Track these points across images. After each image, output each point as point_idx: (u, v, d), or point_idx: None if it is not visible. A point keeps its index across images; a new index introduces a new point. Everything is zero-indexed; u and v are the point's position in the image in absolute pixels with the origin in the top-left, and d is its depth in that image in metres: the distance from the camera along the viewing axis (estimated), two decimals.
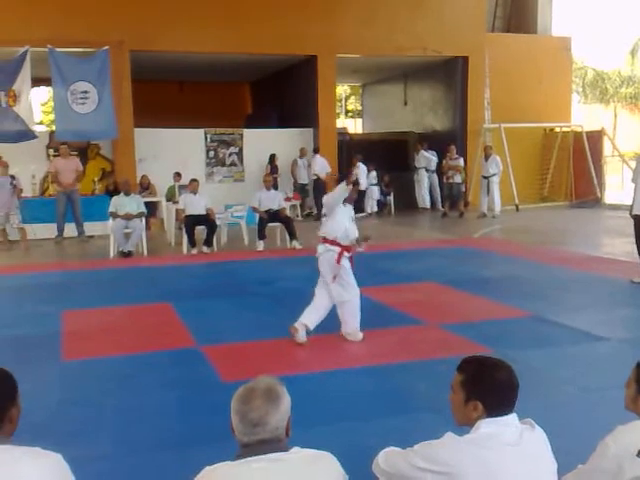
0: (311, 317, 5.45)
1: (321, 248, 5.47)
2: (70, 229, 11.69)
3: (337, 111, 20.64)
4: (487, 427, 2.11)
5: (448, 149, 14.97)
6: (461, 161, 15.07)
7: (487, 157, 14.79)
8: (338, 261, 5.34)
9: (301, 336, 5.40)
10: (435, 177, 15.99)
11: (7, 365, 2.09)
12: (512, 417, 2.14)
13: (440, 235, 12.30)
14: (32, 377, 4.24)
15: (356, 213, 16.52)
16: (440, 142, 16.07)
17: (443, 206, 15.25)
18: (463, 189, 15.17)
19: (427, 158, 15.91)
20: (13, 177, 10.96)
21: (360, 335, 5.50)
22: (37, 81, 12.95)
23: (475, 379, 2.16)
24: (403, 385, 4.51)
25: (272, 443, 1.95)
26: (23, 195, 11.33)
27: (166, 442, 3.65)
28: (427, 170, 15.96)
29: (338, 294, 5.43)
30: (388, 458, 2.27)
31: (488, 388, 2.13)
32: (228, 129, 15.41)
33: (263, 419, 1.94)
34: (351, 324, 5.50)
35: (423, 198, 16.09)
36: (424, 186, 16.02)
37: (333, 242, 5.41)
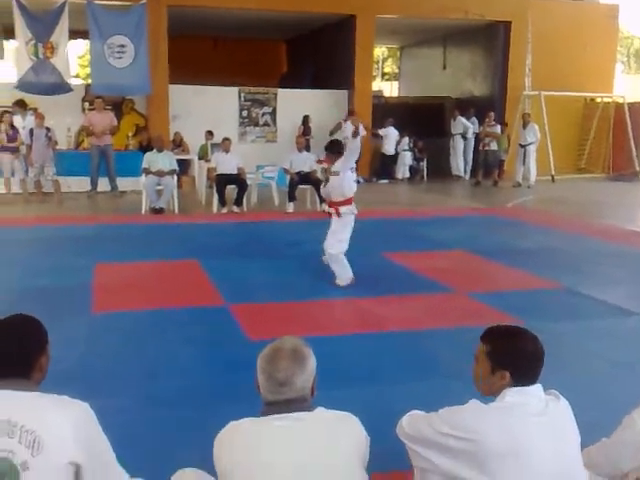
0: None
1: (353, 207, 6.06)
2: (103, 183, 11.79)
3: (373, 73, 20.31)
4: (513, 396, 2.08)
5: (486, 115, 14.68)
6: (498, 128, 14.80)
7: (525, 125, 14.48)
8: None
9: None
10: (471, 144, 15.72)
11: (38, 315, 2.11)
12: (537, 387, 2.12)
13: (472, 203, 12.15)
14: (62, 327, 4.29)
15: (386, 179, 16.47)
16: (478, 108, 15.77)
17: (476, 174, 15.01)
18: (500, 157, 14.91)
19: (464, 124, 15.63)
20: (48, 129, 11.04)
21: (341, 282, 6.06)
22: (74, 33, 12.93)
23: (502, 348, 2.13)
24: (429, 351, 4.51)
25: (297, 402, 1.97)
26: (58, 147, 11.42)
27: (190, 397, 3.70)
28: (463, 137, 15.69)
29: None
30: (412, 421, 2.25)
31: (516, 357, 2.11)
32: (262, 88, 15.29)
33: (289, 379, 1.95)
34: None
35: (457, 165, 15.86)
36: (459, 153, 15.77)
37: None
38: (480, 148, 14.83)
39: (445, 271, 6.71)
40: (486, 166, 14.76)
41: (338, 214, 6.04)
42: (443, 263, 7.06)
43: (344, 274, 6.10)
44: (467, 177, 15.74)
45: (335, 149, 6.22)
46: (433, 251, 7.73)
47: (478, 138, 15.19)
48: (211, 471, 2.08)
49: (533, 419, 2.03)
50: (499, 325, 2.25)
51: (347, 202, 6.05)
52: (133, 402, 3.60)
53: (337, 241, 6.04)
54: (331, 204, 6.11)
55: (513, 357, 2.11)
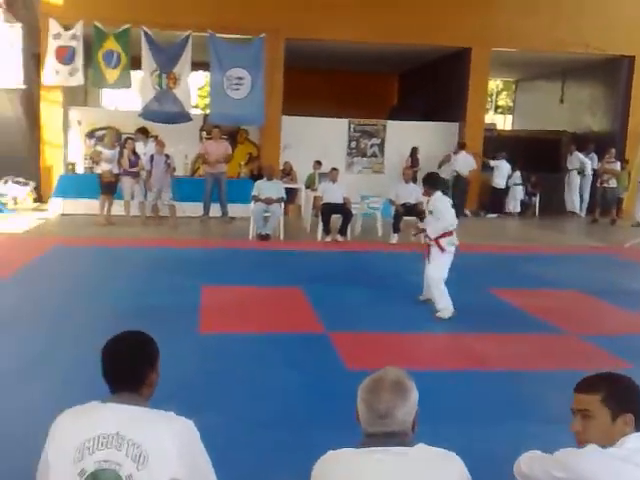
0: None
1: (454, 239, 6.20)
2: (215, 209, 12.23)
3: (487, 106, 20.01)
4: (635, 442, 1.94)
5: (606, 152, 14.06)
6: (618, 165, 14.11)
7: None
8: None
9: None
10: (588, 181, 15.06)
11: (148, 332, 2.18)
12: None
13: (588, 241, 11.59)
14: (169, 346, 4.41)
15: (494, 212, 16.01)
16: (597, 144, 15.14)
17: (593, 212, 14.34)
18: (619, 194, 14.19)
19: (581, 160, 15.02)
20: (168, 156, 11.59)
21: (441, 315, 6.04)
22: (195, 65, 13.57)
23: (622, 391, 2.02)
24: (533, 393, 4.31)
25: (398, 436, 1.92)
26: (175, 174, 11.95)
27: (288, 421, 3.73)
28: (580, 173, 15.08)
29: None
30: (529, 461, 2.15)
31: (637, 397, 2.00)
32: (372, 120, 15.40)
33: (390, 411, 1.91)
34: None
35: (572, 201, 15.21)
36: (574, 189, 15.14)
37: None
38: (598, 185, 14.18)
39: (555, 310, 6.42)
40: (604, 204, 14.07)
41: (439, 247, 6.10)
42: (553, 302, 6.76)
43: (445, 304, 6.04)
44: (582, 214, 15.07)
45: (430, 181, 6.39)
46: (543, 289, 7.43)
47: (596, 175, 14.54)
48: None
49: None
50: (595, 374, 2.11)
51: (448, 234, 6.13)
52: (232, 422, 3.66)
53: (437, 267, 6.12)
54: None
55: (635, 398, 2.00)
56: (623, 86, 15.46)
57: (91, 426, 1.92)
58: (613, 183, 13.89)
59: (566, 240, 12.02)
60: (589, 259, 9.70)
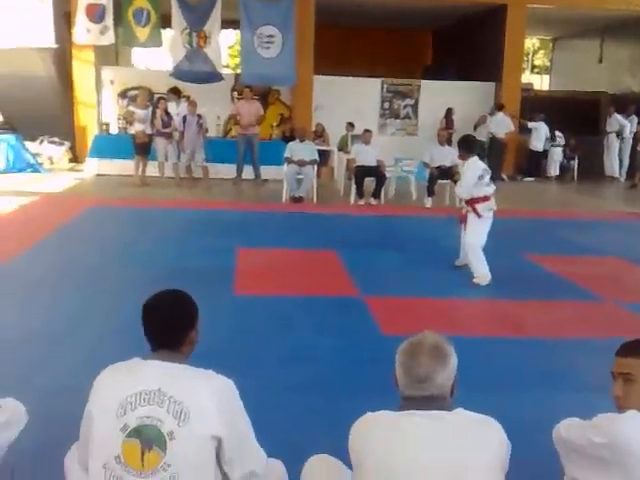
0: None
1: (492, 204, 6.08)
2: (248, 171, 12.21)
3: (523, 66, 19.50)
4: None
5: None
6: None
7: None
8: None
9: None
10: (627, 144, 14.64)
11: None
12: None
13: (627, 207, 11.33)
14: (206, 306, 4.45)
15: (532, 176, 15.80)
16: (636, 106, 14.67)
17: (633, 176, 13.97)
18: None
19: (620, 122, 14.59)
20: (200, 117, 11.56)
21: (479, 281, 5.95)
22: (225, 23, 13.37)
23: None
24: (572, 362, 4.26)
25: (436, 400, 1.91)
26: (208, 135, 11.94)
27: (323, 385, 3.74)
28: (619, 136, 14.66)
29: None
30: (570, 427, 2.12)
31: None
32: (405, 80, 15.12)
33: (430, 376, 1.90)
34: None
35: (611, 165, 14.84)
36: (613, 153, 14.75)
37: None
38: (638, 148, 13.78)
39: (595, 278, 6.31)
40: None
41: (476, 212, 5.98)
42: (592, 269, 6.65)
43: (482, 270, 5.97)
44: (622, 179, 14.70)
45: (465, 144, 6.19)
46: (581, 256, 7.30)
47: (636, 138, 14.12)
48: (344, 458, 2.07)
49: None
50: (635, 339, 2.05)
51: (484, 199, 5.98)
52: (265, 384, 3.68)
53: (474, 233, 6.02)
54: (467, 201, 6.07)
55: None
56: None
57: (133, 382, 1.95)
58: None
59: (605, 205, 11.76)
60: (628, 226, 9.51)
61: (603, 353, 4.21)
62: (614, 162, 14.77)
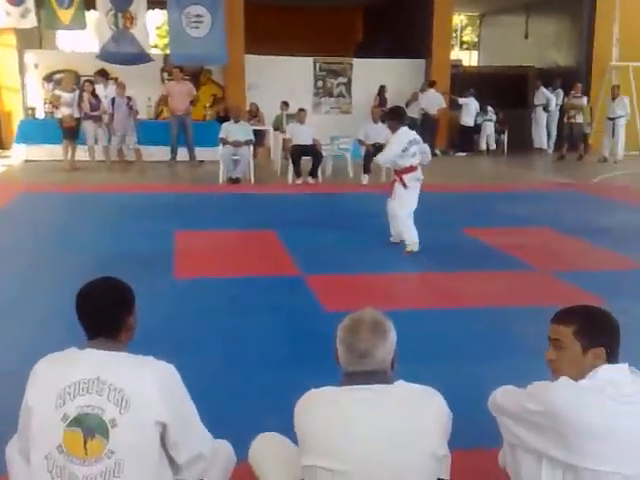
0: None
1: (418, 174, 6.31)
2: (182, 153, 12.01)
3: (452, 42, 19.78)
4: (605, 374, 1.99)
5: (572, 87, 14.07)
6: (584, 100, 14.15)
7: (614, 98, 13.78)
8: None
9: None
10: (554, 117, 15.11)
11: (123, 278, 2.14)
12: (624, 365, 2.03)
13: (557, 178, 11.72)
14: (145, 291, 4.37)
15: (464, 151, 16.09)
16: (562, 79, 15.12)
17: (561, 148, 14.44)
18: (585, 130, 14.29)
19: (546, 96, 15.02)
20: (130, 98, 11.30)
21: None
22: (152, 3, 13.09)
23: (595, 325, 2.05)
24: (508, 330, 4.39)
25: (377, 374, 1.95)
26: (139, 117, 11.68)
27: (268, 362, 3.76)
28: (545, 109, 15.09)
29: None
30: (505, 395, 2.19)
31: (610, 332, 2.04)
32: (337, 58, 15.11)
33: (370, 351, 1.93)
34: None
35: (540, 138, 15.29)
36: (541, 125, 15.20)
37: None
38: (565, 121, 14.24)
39: (527, 248, 6.51)
40: (571, 139, 14.17)
41: (402, 183, 6.18)
42: (525, 240, 6.86)
43: (412, 237, 6.18)
44: (550, 150, 15.18)
45: (393, 115, 6.45)
46: (514, 227, 7.52)
47: (563, 110, 14.58)
48: (290, 435, 2.10)
49: (624, 398, 1.93)
50: (574, 305, 2.14)
51: (410, 170, 6.18)
52: (212, 365, 3.68)
53: (402, 203, 6.22)
54: (395, 172, 6.27)
55: (608, 332, 2.04)
56: (587, 20, 15.40)
57: (71, 372, 1.92)
58: (580, 118, 13.96)
59: (536, 177, 12.14)
60: (559, 196, 9.82)
61: (536, 321, 4.38)
62: (542, 135, 15.23)
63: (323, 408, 1.94)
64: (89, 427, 1.86)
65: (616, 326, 2.05)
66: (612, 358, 2.02)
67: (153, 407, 1.90)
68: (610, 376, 1.98)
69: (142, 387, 1.91)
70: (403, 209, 6.22)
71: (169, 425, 1.93)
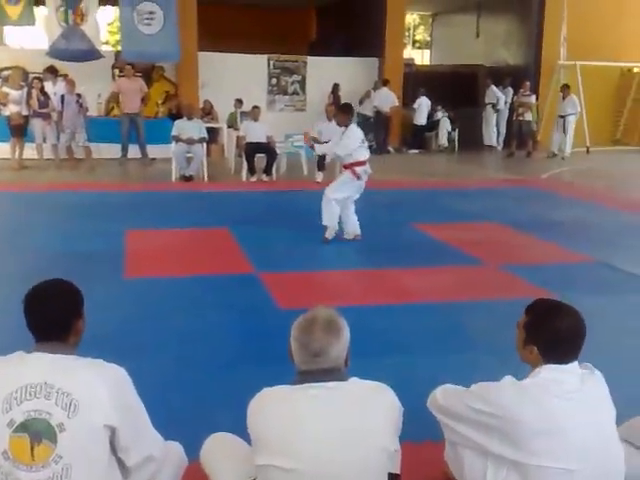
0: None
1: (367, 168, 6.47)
2: (134, 150, 11.84)
3: (405, 41, 19.97)
4: (547, 373, 2.06)
5: (521, 85, 14.37)
6: (533, 98, 14.47)
7: (565, 96, 14.12)
8: None
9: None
10: (504, 115, 15.40)
11: (72, 279, 2.12)
12: (574, 365, 2.08)
13: (506, 174, 11.96)
14: (95, 292, 4.32)
15: (416, 148, 16.12)
16: (511, 77, 15.43)
17: (510, 145, 14.75)
18: (533, 127, 14.61)
19: (496, 94, 15.30)
20: (79, 96, 11.08)
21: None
22: (103, 0, 12.88)
23: (535, 324, 2.11)
24: (459, 324, 4.47)
25: (331, 372, 1.97)
26: (89, 114, 11.47)
27: (222, 361, 3.75)
28: (494, 107, 15.39)
29: None
30: (445, 395, 2.24)
31: (545, 335, 2.07)
32: (291, 56, 15.09)
33: (324, 349, 1.94)
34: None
35: (490, 135, 15.58)
36: (491, 123, 15.49)
37: None
38: (514, 118, 14.54)
39: (476, 243, 6.63)
40: (520, 137, 14.48)
41: (355, 174, 6.37)
42: (474, 235, 6.98)
43: (329, 220, 6.38)
44: (500, 148, 15.49)
45: (344, 110, 6.67)
46: (464, 223, 7.64)
47: (512, 108, 14.88)
48: (243, 434, 2.10)
49: (567, 395, 2.00)
50: (546, 299, 2.20)
51: (362, 163, 6.39)
52: (165, 365, 3.66)
53: (338, 188, 6.43)
54: (347, 165, 6.47)
55: (543, 334, 2.07)
56: (535, 19, 15.74)
57: (17, 377, 1.89)
58: (528, 116, 14.25)
59: (486, 173, 12.35)
60: (508, 191, 10.02)
61: (485, 315, 4.52)
62: (492, 132, 15.52)
63: (276, 407, 1.95)
64: (36, 432, 1.84)
65: (561, 331, 2.05)
66: (558, 358, 2.05)
67: (102, 410, 1.89)
68: (553, 375, 2.04)
69: (91, 391, 1.89)
70: (333, 192, 6.40)
71: (118, 428, 1.92)
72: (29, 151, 11.15)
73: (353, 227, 6.56)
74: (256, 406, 2.00)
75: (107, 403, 1.89)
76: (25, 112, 10.89)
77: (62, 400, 1.85)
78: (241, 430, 2.10)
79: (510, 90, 15.31)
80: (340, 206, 6.44)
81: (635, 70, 16.60)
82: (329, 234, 6.48)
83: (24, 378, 1.88)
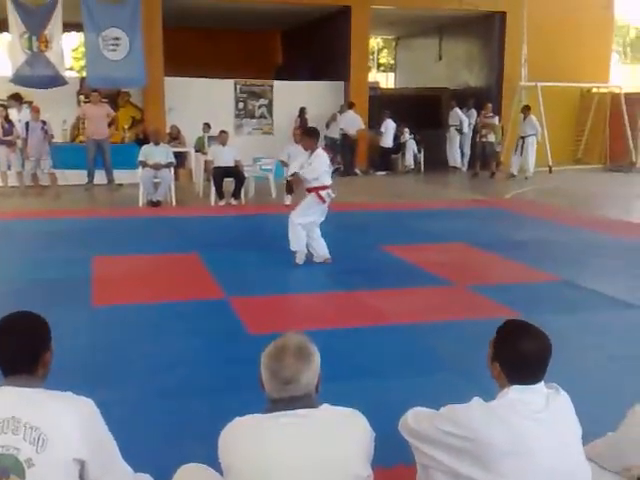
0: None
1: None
2: (100, 176, 11.75)
3: (369, 65, 20.25)
4: (514, 394, 2.08)
5: (484, 107, 14.66)
6: (496, 119, 14.79)
7: (525, 117, 14.45)
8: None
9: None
10: (467, 136, 15.69)
11: (38, 308, 2.11)
12: (540, 386, 2.11)
13: (470, 195, 12.14)
14: (63, 321, 4.26)
15: (383, 170, 16.28)
16: (474, 99, 15.75)
17: (474, 166, 15.00)
18: (496, 148, 14.90)
19: (459, 117, 15.59)
20: (44, 122, 11.00)
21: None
22: (68, 26, 12.85)
23: (501, 342, 2.14)
24: (429, 345, 4.50)
25: (302, 399, 1.96)
26: (54, 141, 11.37)
27: (193, 390, 3.71)
28: (458, 130, 15.68)
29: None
30: (415, 419, 2.25)
31: (508, 354, 2.10)
32: (258, 80, 15.21)
33: (295, 377, 1.94)
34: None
35: (454, 157, 15.86)
36: (455, 145, 15.77)
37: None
38: (477, 140, 14.81)
39: (444, 264, 6.71)
40: (484, 158, 14.74)
41: (320, 198, 6.43)
42: (442, 256, 7.06)
43: (297, 245, 6.45)
44: (464, 168, 15.74)
45: (310, 134, 6.74)
46: (432, 244, 7.73)
47: (475, 129, 15.16)
48: (215, 464, 2.08)
49: (535, 416, 2.03)
50: (516, 320, 2.23)
51: (327, 187, 6.45)
52: (135, 395, 3.61)
53: (304, 212, 6.48)
54: (312, 189, 6.50)
55: (507, 353, 2.10)
56: (496, 42, 16.14)
57: None
58: (492, 137, 14.54)
59: (451, 195, 12.52)
60: (473, 212, 10.17)
61: (455, 335, 4.56)
62: (456, 153, 15.80)
63: (248, 437, 1.94)
64: (4, 468, 1.81)
65: (524, 352, 2.07)
66: (520, 379, 2.08)
67: (71, 445, 1.86)
68: (519, 396, 2.06)
69: (59, 424, 1.87)
70: (298, 216, 6.45)
71: (88, 462, 1.90)
72: None
73: (322, 250, 6.59)
74: (227, 436, 1.98)
75: (76, 437, 1.87)
76: None
77: (30, 435, 1.83)
78: (212, 460, 2.09)
79: (474, 112, 15.62)
80: (306, 230, 6.48)
81: (594, 91, 17.07)
82: (299, 259, 6.50)
83: None
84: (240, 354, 4.09)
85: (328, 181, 6.49)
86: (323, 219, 6.60)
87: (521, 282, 6.12)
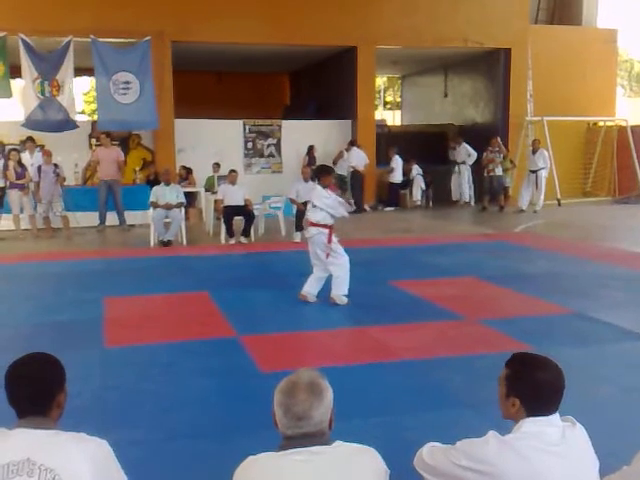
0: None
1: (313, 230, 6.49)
2: (112, 218, 11.88)
3: (375, 103, 20.50)
4: (529, 427, 2.07)
5: (492, 142, 14.74)
6: (500, 155, 14.87)
7: (535, 151, 14.52)
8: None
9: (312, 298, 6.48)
10: (471, 171, 15.78)
11: (51, 350, 2.13)
12: (555, 417, 2.10)
13: (480, 229, 12.16)
14: (75, 362, 4.28)
15: (394, 206, 16.37)
16: (481, 135, 15.86)
17: (482, 200, 15.04)
18: (506, 182, 14.96)
19: (468, 151, 15.70)
20: (56, 166, 11.16)
21: (345, 300, 6.35)
22: (79, 71, 13.16)
23: (515, 376, 2.14)
24: (441, 380, 4.48)
25: (315, 436, 1.96)
26: (66, 184, 11.53)
27: (205, 430, 3.70)
28: (457, 164, 15.81)
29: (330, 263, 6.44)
30: (430, 454, 2.24)
31: (526, 387, 2.10)
32: (266, 120, 15.43)
33: (307, 413, 1.94)
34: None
35: (462, 191, 15.91)
36: (464, 179, 15.84)
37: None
38: (485, 174, 14.87)
39: (455, 298, 6.70)
40: (492, 192, 14.78)
41: (330, 238, 6.46)
42: (453, 290, 7.06)
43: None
44: (472, 203, 15.78)
45: (326, 170, 6.78)
46: (442, 278, 7.73)
47: (481, 164, 15.24)
48: None
49: (550, 449, 2.02)
50: (524, 352, 2.23)
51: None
52: (149, 435, 3.61)
53: (340, 253, 6.44)
54: (329, 226, 6.49)
55: (525, 386, 2.10)
56: (502, 78, 16.30)
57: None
58: (499, 171, 14.60)
59: (460, 229, 12.54)
60: (483, 246, 10.17)
61: (467, 370, 4.54)
62: (464, 188, 15.85)
63: (261, 475, 1.93)
64: None
65: (542, 383, 2.08)
66: (540, 411, 2.08)
67: None
68: (535, 428, 2.06)
69: (74, 466, 1.87)
70: (343, 253, 6.44)
71: None
72: (5, 222, 11.14)
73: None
74: (241, 474, 1.97)
75: (90, 478, 1.87)
76: (1, 184, 10.93)
77: (45, 476, 1.83)
78: None
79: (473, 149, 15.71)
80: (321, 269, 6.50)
81: (601, 124, 17.17)
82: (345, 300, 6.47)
83: (6, 455, 1.86)
84: (252, 392, 4.10)
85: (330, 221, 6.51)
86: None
87: (532, 315, 6.10)
